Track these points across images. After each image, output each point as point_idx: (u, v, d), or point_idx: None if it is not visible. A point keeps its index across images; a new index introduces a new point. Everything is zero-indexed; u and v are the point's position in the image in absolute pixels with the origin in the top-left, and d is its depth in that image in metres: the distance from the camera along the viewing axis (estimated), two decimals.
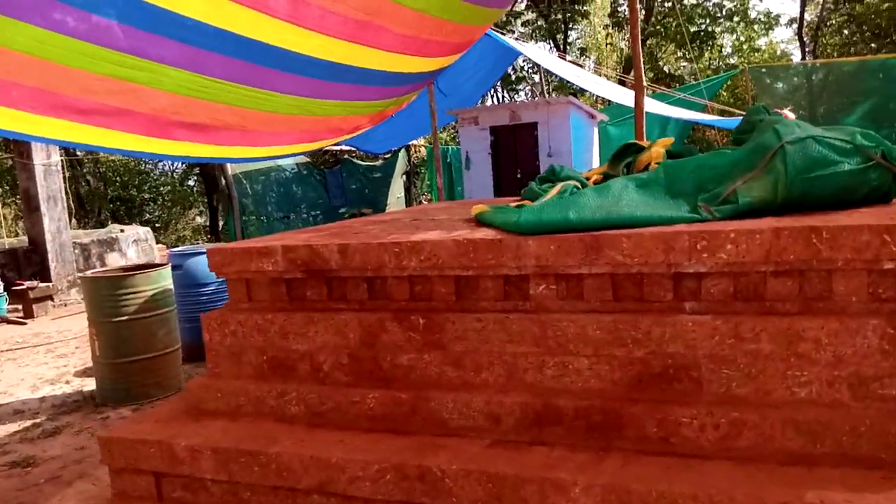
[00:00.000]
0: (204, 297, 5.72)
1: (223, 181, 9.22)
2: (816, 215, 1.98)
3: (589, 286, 2.09)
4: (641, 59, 6.43)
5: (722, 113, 13.05)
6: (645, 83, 6.07)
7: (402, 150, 13.10)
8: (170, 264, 5.18)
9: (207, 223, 18.67)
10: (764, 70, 14.13)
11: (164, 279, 5.02)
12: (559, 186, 3.30)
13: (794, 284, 1.89)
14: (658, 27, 21.08)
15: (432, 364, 2.25)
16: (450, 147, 14.21)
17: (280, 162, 10.29)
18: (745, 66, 14.80)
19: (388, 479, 2.04)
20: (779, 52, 26.19)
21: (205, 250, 5.76)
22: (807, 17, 23.89)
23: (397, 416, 2.24)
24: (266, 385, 2.44)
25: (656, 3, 21.48)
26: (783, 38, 27.99)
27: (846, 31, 21.86)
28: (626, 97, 9.84)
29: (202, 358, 5.81)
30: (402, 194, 13.34)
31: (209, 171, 14.78)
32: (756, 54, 23.59)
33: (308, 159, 11.03)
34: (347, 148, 11.95)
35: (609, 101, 12.22)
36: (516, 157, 10.83)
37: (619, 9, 22.15)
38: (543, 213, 2.12)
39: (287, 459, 2.16)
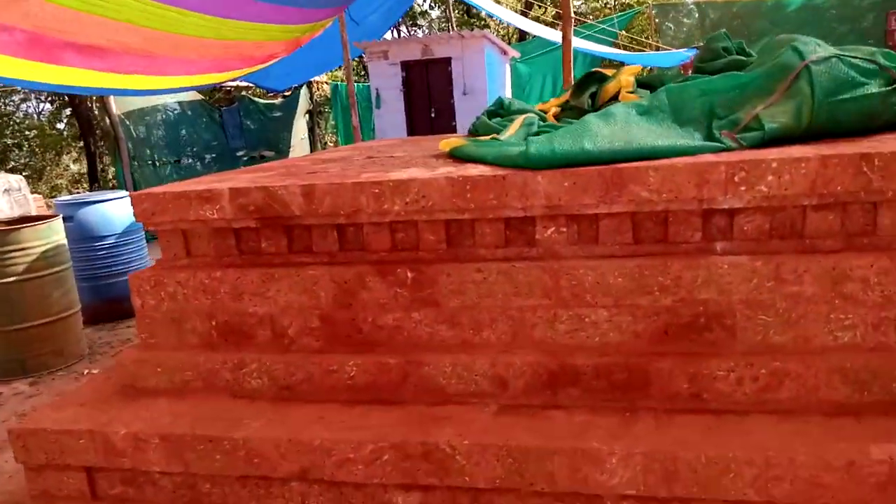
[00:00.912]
0: (101, 252, 5.09)
1: (107, 121, 8.23)
2: (863, 141, 1.79)
3: (605, 228, 1.83)
4: None
5: (625, 48, 13.11)
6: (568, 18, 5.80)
7: (304, 88, 12.29)
8: (59, 216, 4.51)
9: (85, 170, 17.05)
10: (665, 7, 14.25)
11: (56, 233, 4.37)
12: (521, 118, 3.02)
13: (836, 219, 1.71)
14: None
15: (423, 323, 1.94)
16: (356, 85, 13.51)
17: (166, 99, 9.33)
18: (650, 3, 14.87)
19: (385, 461, 1.74)
20: None
21: (100, 198, 5.10)
22: None
23: (384, 385, 1.93)
24: (218, 355, 2.05)
25: None
26: None
27: None
28: (545, 31, 9.58)
29: (106, 319, 5.25)
30: (306, 135, 12.59)
31: (84, 112, 13.34)
32: None
33: (200, 96, 10.10)
34: (245, 84, 11.07)
35: (521, 37, 11.93)
36: (430, 94, 10.38)
37: None
38: (555, 143, 1.82)
39: (258, 444, 1.81)
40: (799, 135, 1.90)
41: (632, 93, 2.98)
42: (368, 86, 13.45)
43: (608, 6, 22.12)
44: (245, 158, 10.95)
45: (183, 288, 2.08)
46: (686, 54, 9.79)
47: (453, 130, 10.44)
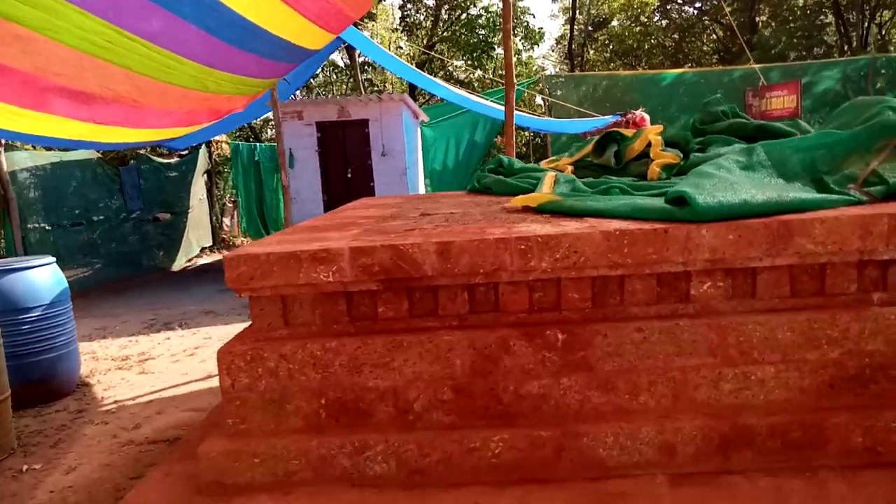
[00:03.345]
0: (25, 327, 4.42)
1: None
2: None
3: (764, 281, 1.79)
4: (512, 59, 6.35)
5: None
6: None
7: (203, 147, 11.73)
8: None
9: None
10: (560, 79, 15.15)
11: None
12: (551, 175, 3.00)
13: None
14: (445, 34, 21.65)
15: (573, 390, 1.78)
16: (257, 145, 13.07)
17: (62, 156, 8.49)
18: (542, 75, 15.74)
19: None
20: (535, 67, 28.34)
21: (25, 265, 4.47)
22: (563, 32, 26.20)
23: (536, 462, 1.74)
24: (333, 439, 1.77)
25: (442, 11, 21.98)
26: (539, 54, 30.22)
27: (607, 50, 24.39)
28: (457, 97, 9.77)
29: (29, 404, 4.55)
30: (205, 196, 11.94)
31: None
32: (524, 67, 25.34)
33: (97, 154, 9.28)
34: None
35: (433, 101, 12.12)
36: (346, 155, 10.23)
37: (408, 17, 22.34)
38: (717, 196, 1.77)
39: None
40: None
41: (663, 151, 3.05)
42: (271, 146, 13.12)
43: (491, 79, 23.19)
44: (135, 221, 10.17)
45: (288, 362, 1.80)
46: (604, 120, 10.35)
47: (371, 191, 10.32)
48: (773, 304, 1.79)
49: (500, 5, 22.89)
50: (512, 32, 21.21)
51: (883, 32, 22.37)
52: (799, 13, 21.46)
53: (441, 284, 1.82)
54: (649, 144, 3.12)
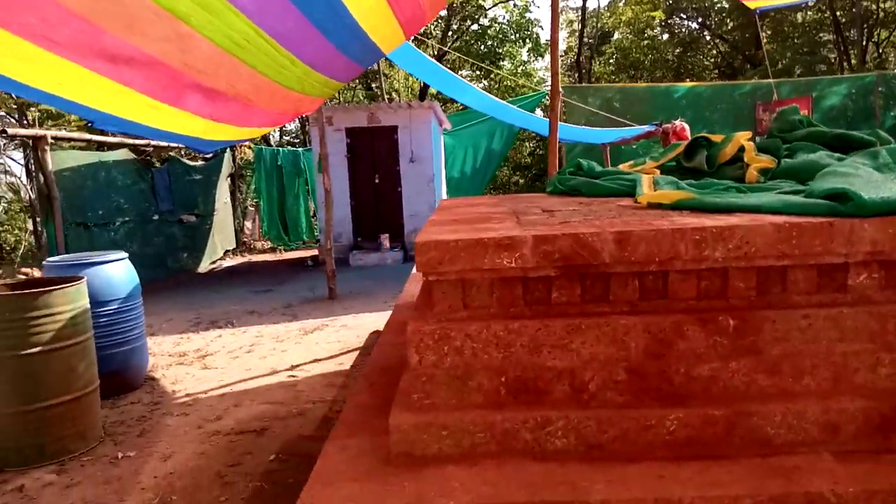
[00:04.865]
0: (103, 320, 4.53)
1: (41, 179, 7.40)
2: None
3: None
4: (558, 67, 6.51)
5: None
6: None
7: (228, 151, 11.83)
8: (84, 278, 3.98)
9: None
10: (577, 90, 15.35)
11: (83, 296, 3.86)
12: (648, 177, 3.14)
13: None
14: (455, 44, 21.88)
15: (740, 373, 1.91)
16: (279, 150, 13.19)
17: (103, 156, 8.58)
18: (561, 86, 15.91)
19: None
20: (535, 81, 28.60)
21: (101, 259, 4.56)
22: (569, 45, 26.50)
23: (708, 439, 1.87)
24: (518, 414, 1.89)
25: (453, 22, 22.23)
26: (543, 66, 30.54)
27: (612, 61, 24.70)
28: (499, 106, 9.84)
29: (104, 395, 4.63)
30: (228, 199, 12.03)
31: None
32: (528, 79, 25.60)
33: (132, 155, 9.37)
34: (175, 144, 10.44)
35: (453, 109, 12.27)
36: (374, 160, 10.36)
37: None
38: (884, 193, 1.91)
39: None
40: None
41: (757, 156, 3.19)
42: (293, 150, 13.24)
43: (497, 88, 23.42)
44: (163, 222, 10.25)
45: (472, 341, 1.92)
46: (635, 130, 10.52)
47: (399, 196, 10.47)
48: None
49: (508, 17, 23.21)
50: (522, 43, 21.28)
51: (880, 51, 22.79)
52: (800, 30, 21.84)
53: (614, 272, 1.94)
54: (741, 149, 3.26)
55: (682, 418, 1.87)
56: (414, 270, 5.81)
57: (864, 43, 21.45)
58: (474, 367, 1.93)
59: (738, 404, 1.88)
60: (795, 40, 21.09)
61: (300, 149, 14.13)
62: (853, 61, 20.93)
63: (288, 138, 23.76)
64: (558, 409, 1.91)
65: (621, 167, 3.99)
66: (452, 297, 1.98)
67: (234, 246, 12.53)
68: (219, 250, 11.70)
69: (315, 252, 11.99)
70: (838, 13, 20.39)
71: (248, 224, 13.57)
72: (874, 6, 20.52)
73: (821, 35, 22.13)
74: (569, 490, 1.73)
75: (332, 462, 1.96)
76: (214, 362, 5.46)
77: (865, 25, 21.02)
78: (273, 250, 13.38)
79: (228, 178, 12.08)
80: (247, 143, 12.66)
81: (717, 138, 3.48)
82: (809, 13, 21.19)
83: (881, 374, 1.90)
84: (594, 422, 1.88)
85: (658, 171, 3.61)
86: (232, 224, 12.43)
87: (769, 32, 21.61)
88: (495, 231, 2.01)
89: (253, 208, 13.51)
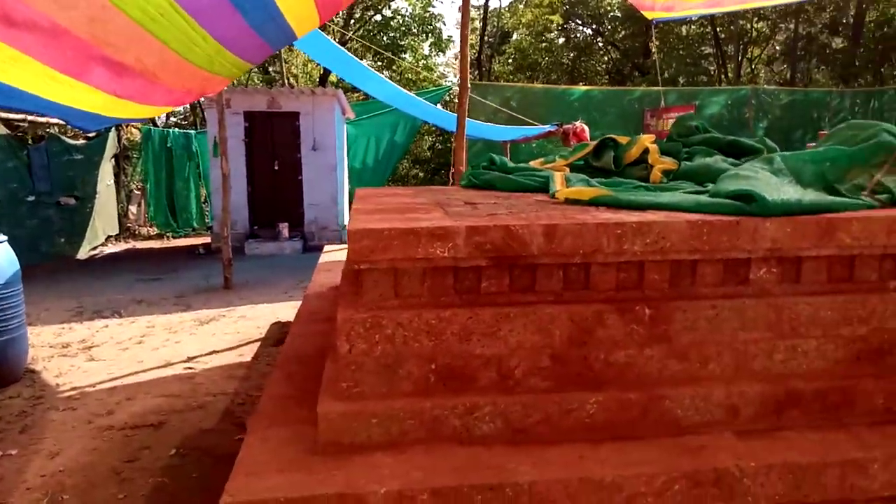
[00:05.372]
0: None
1: None
2: None
3: (807, 269, 2.12)
4: (468, 63, 6.60)
5: None
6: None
7: (113, 130, 11.11)
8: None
9: None
10: (479, 87, 15.57)
11: None
12: (560, 174, 3.28)
13: None
14: (358, 34, 21.59)
15: (654, 359, 2.03)
16: (169, 131, 12.53)
17: None
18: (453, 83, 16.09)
19: (676, 491, 1.79)
20: (436, 75, 28.78)
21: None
22: (471, 43, 26.83)
23: (623, 422, 1.98)
24: (446, 401, 1.92)
25: (356, 10, 21.92)
26: (443, 61, 30.75)
27: (511, 61, 25.23)
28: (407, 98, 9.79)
29: None
30: (112, 182, 11.30)
31: None
32: (429, 73, 25.72)
33: (7, 130, 8.56)
34: (55, 120, 9.67)
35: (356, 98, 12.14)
36: (273, 147, 10.06)
37: None
38: (782, 195, 2.09)
39: (545, 487, 1.75)
40: None
41: (660, 158, 3.39)
42: (185, 133, 12.64)
43: (399, 80, 23.35)
44: (38, 204, 9.52)
45: (404, 330, 1.93)
46: (536, 129, 10.77)
47: (300, 184, 10.23)
48: (813, 289, 2.13)
49: (410, 10, 23.18)
50: (425, 37, 21.34)
51: (752, 67, 24.65)
52: (685, 42, 23.22)
53: (541, 263, 2.01)
54: (645, 151, 3.45)
55: (601, 402, 1.97)
56: (321, 260, 5.72)
57: (740, 58, 23.13)
58: (404, 354, 1.94)
59: (652, 388, 2.00)
60: (681, 51, 22.38)
61: (192, 131, 13.51)
62: (730, 75, 22.51)
63: (176, 119, 22.63)
64: (486, 395, 1.96)
65: (532, 164, 4.11)
66: (384, 286, 1.98)
67: (118, 231, 11.82)
68: (100, 235, 11.00)
69: (207, 240, 11.51)
70: (718, 29, 21.83)
71: (132, 209, 12.83)
72: (748, 25, 22.15)
73: (702, 48, 23.61)
74: (496, 473, 1.78)
75: (256, 453, 1.91)
76: (102, 354, 5.15)
77: (741, 42, 22.66)
78: (160, 237, 12.71)
79: (112, 160, 11.37)
80: (135, 123, 11.95)
81: (623, 140, 3.66)
82: (693, 27, 22.54)
83: (776, 361, 2.08)
84: (520, 407, 1.95)
85: (567, 169, 3.75)
86: (115, 208, 11.72)
87: (657, 43, 22.84)
88: (427, 221, 2.02)
89: (139, 192, 12.78)
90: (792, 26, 21.64)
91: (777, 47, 24.27)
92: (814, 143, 4.12)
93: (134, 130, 12.24)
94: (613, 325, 2.01)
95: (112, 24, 2.44)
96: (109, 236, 11.44)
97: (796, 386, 2.03)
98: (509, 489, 1.74)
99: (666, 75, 21.34)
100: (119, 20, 2.46)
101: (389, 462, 1.83)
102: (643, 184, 3.00)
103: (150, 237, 12.70)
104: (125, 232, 12.21)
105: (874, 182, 2.39)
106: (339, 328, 1.91)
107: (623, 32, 24.16)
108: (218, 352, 5.24)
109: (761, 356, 2.07)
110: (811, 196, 2.18)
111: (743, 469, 1.82)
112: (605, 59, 26.58)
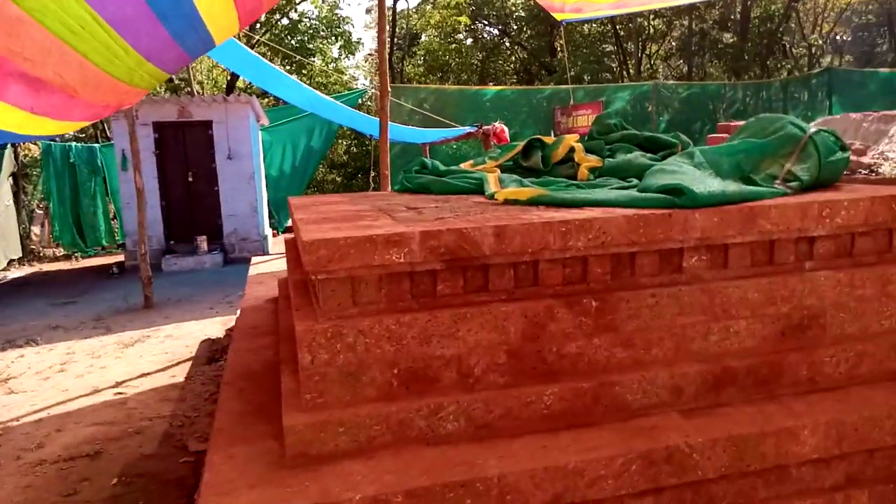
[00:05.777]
0: None
1: None
2: (864, 188, 2.56)
3: (733, 254, 2.29)
4: (387, 67, 6.63)
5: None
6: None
7: (9, 148, 10.47)
8: None
9: None
10: (395, 89, 15.59)
11: None
12: (493, 175, 3.40)
13: (882, 240, 2.43)
14: (265, 37, 21.16)
15: (602, 348, 2.15)
16: (72, 146, 11.90)
17: None
18: (373, 86, 16.07)
19: (633, 471, 1.91)
20: (346, 78, 28.58)
21: None
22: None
23: (578, 410, 2.08)
24: (410, 404, 1.97)
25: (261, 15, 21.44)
26: (353, 63, 30.57)
27: (422, 63, 25.36)
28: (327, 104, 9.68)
29: None
30: (11, 201, 10.64)
31: None
32: (339, 76, 25.52)
33: None
34: None
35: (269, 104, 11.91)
36: (187, 157, 9.75)
37: None
38: (708, 187, 2.24)
39: (513, 479, 1.83)
40: (811, 185, 2.61)
41: (585, 156, 3.55)
42: (89, 147, 12.08)
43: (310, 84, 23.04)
44: None
45: (365, 337, 1.96)
46: (456, 131, 10.86)
47: (216, 195, 9.96)
48: (739, 273, 2.30)
49: (317, 13, 22.93)
50: (334, 40, 21.15)
51: (651, 62, 25.80)
52: (588, 41, 24.04)
53: (493, 263, 2.09)
54: (571, 150, 3.59)
55: (556, 392, 2.06)
56: (250, 272, 5.62)
57: (640, 55, 24.17)
58: (367, 361, 1.98)
59: (602, 376, 2.12)
60: (584, 50, 23.13)
61: (96, 144, 12.90)
62: (631, 71, 23.48)
63: (73, 133, 21.51)
64: (448, 394, 2.02)
65: (462, 166, 4.20)
66: (342, 295, 2.00)
67: (20, 255, 11.15)
68: (2, 260, 10.35)
69: (119, 258, 11.03)
70: (618, 27, 22.72)
71: (35, 229, 12.13)
72: (646, 23, 23.16)
73: (604, 46, 24.50)
74: (466, 469, 1.84)
75: (222, 471, 1.90)
76: (21, 385, 4.88)
77: (640, 39, 23.69)
78: (67, 258, 12.07)
79: (10, 178, 10.72)
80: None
81: (549, 140, 3.80)
82: (595, 26, 23.35)
83: (712, 341, 2.24)
84: (481, 403, 2.02)
85: (498, 171, 3.85)
86: (16, 230, 11.06)
87: (563, 42, 23.55)
88: (379, 228, 2.06)
89: (41, 211, 12.09)
90: (686, 23, 22.79)
91: (673, 43, 25.48)
92: (714, 135, 4.40)
93: (32, 146, 11.58)
94: (563, 319, 2.11)
95: (30, 39, 2.34)
96: (12, 260, 10.79)
97: (731, 364, 2.20)
98: (480, 484, 1.81)
99: (572, 73, 22.04)
100: (38, 34, 2.37)
101: (360, 469, 1.86)
102: (573, 182, 3.13)
103: (56, 258, 12.03)
104: (29, 254, 11.53)
105: (785, 171, 2.60)
106: (300, 340, 1.92)
107: (529, 32, 24.75)
108: (148, 374, 5.07)
109: (698, 338, 2.23)
110: (733, 187, 2.36)
111: (691, 445, 1.95)
112: (513, 59, 27.15)
